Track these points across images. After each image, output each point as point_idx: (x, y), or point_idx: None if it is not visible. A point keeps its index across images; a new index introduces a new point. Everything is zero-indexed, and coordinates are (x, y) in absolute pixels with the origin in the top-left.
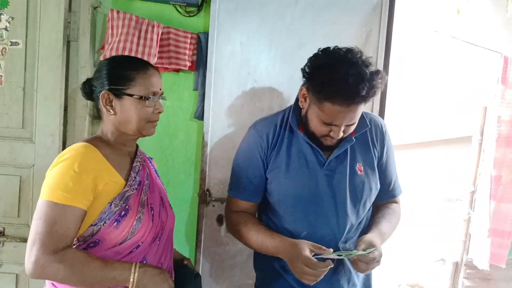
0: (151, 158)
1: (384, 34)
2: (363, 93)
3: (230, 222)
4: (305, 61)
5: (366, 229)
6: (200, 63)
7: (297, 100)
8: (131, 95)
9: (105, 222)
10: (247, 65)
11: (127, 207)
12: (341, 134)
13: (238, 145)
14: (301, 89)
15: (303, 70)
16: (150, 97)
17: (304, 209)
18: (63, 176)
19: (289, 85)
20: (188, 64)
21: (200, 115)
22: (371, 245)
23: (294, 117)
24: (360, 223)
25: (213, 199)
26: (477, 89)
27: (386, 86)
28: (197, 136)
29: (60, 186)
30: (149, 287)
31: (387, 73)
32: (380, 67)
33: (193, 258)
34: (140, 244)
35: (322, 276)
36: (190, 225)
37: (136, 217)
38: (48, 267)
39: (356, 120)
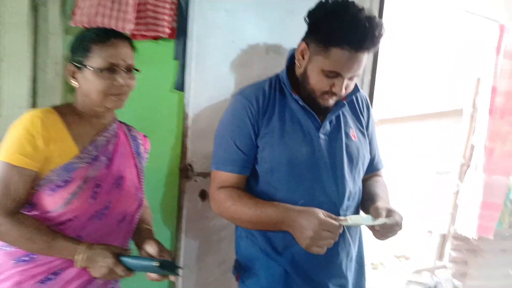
0: (145, 137)
1: (377, 3)
2: (373, 38)
3: (217, 200)
4: (295, 30)
5: (361, 201)
6: (181, 31)
7: (289, 63)
8: (89, 67)
9: (41, 187)
10: (233, 34)
11: (68, 178)
12: (343, 90)
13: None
14: (299, 46)
15: (305, 20)
16: (111, 69)
17: (300, 176)
18: (19, 138)
19: (277, 55)
20: (168, 31)
21: (180, 86)
22: (389, 210)
23: (286, 81)
24: (356, 192)
25: (196, 173)
26: (471, 60)
27: (376, 56)
28: (178, 108)
29: (15, 148)
30: (94, 263)
31: None
32: None
33: (174, 235)
34: (73, 218)
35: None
36: (171, 201)
37: (73, 191)
38: (1, 227)
39: (360, 73)
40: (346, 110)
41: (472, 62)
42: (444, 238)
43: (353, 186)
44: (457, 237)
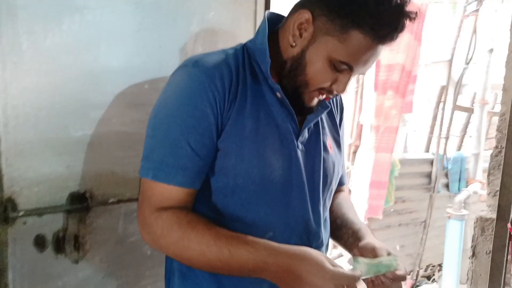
0: None
1: None
2: (402, 29)
3: (155, 229)
4: None
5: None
6: None
7: (264, 32)
8: None
9: None
10: None
11: None
12: (345, 90)
13: (60, 119)
14: (298, 15)
15: None
16: None
17: (273, 198)
18: None
19: (139, 17)
20: None
21: None
22: (387, 251)
23: (267, 60)
24: (327, 219)
25: (22, 212)
26: None
27: None
28: None
29: None
30: None
31: None
32: None
33: None
34: None
35: None
36: None
37: None
38: None
39: (367, 72)
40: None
41: None
42: None
43: (325, 212)
44: None
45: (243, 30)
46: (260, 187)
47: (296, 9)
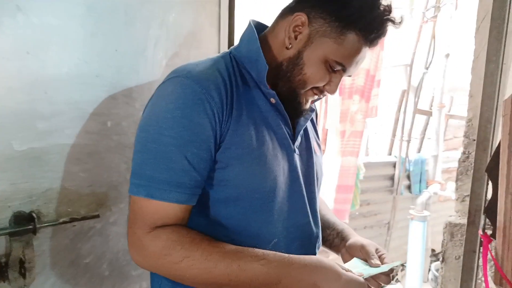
0: None
1: None
2: (385, 34)
3: (153, 250)
4: None
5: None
6: None
7: (254, 38)
8: None
9: None
10: None
11: None
12: (336, 90)
13: (2, 132)
14: (294, 18)
15: None
16: None
17: (276, 205)
18: None
19: (93, 20)
20: None
21: None
22: (375, 247)
23: (263, 65)
24: None
25: None
26: None
27: None
28: None
29: None
30: None
31: None
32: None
33: None
34: None
35: None
36: None
37: None
38: None
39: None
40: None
41: None
42: None
43: (318, 214)
44: None
45: (206, 34)
46: (263, 196)
47: (286, 13)
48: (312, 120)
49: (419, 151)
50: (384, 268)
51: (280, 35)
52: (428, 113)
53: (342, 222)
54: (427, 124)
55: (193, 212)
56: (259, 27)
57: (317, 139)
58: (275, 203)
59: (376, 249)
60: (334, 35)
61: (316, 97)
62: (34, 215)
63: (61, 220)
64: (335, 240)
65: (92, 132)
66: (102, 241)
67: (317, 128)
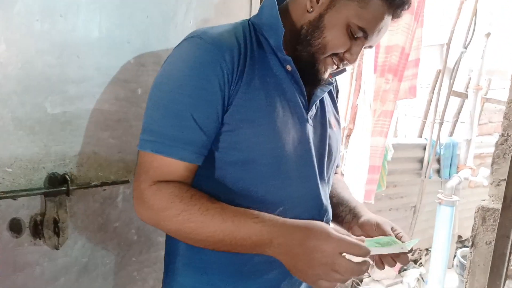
0: None
1: None
2: (410, 3)
3: (153, 201)
4: None
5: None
6: None
7: (273, 4)
8: None
9: None
10: None
11: None
12: (357, 59)
13: (34, 95)
14: None
15: None
16: None
17: (285, 172)
18: None
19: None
20: None
21: None
22: (391, 225)
23: (280, 30)
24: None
25: None
26: None
27: None
28: None
29: None
30: None
31: None
32: None
33: None
34: None
35: None
36: None
37: None
38: None
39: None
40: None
41: None
42: None
43: (329, 188)
44: None
45: (237, 2)
46: (272, 160)
47: None
48: (331, 95)
49: (451, 134)
50: (396, 248)
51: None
52: (464, 96)
53: (356, 200)
54: (461, 107)
55: (200, 174)
56: None
57: (336, 114)
58: (282, 169)
59: (392, 227)
60: None
61: (335, 66)
62: (67, 177)
63: (92, 184)
64: (347, 216)
65: (121, 99)
66: (130, 206)
67: (337, 105)
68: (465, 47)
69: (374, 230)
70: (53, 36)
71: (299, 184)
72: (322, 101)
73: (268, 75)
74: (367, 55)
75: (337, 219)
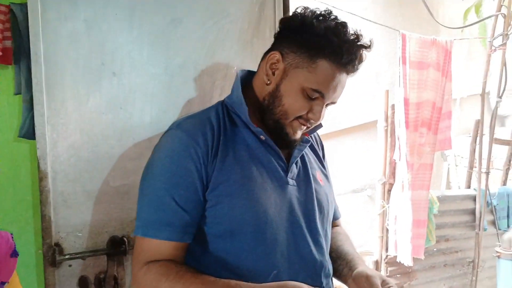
0: None
1: (281, 6)
2: (361, 59)
3: (144, 282)
4: (185, 42)
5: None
6: (21, 52)
7: (238, 86)
8: None
9: None
10: (100, 52)
11: None
12: (321, 117)
13: (100, 172)
14: (268, 57)
15: (281, 25)
16: None
17: (272, 238)
18: None
19: (168, 77)
20: None
21: (29, 132)
22: (381, 278)
23: (244, 107)
24: (328, 250)
25: (68, 256)
26: (378, 71)
27: None
28: (31, 164)
29: None
30: None
31: None
32: None
33: None
34: None
35: None
36: None
37: None
38: None
39: (337, 100)
40: (307, 148)
41: (379, 73)
42: (377, 264)
43: (326, 243)
44: (390, 262)
45: None
46: (256, 228)
47: (264, 55)
48: (315, 151)
49: (504, 183)
50: None
51: (261, 75)
52: (509, 143)
53: (355, 252)
54: (511, 154)
55: (196, 250)
56: (250, 74)
57: (323, 169)
58: (268, 234)
59: (383, 281)
60: (306, 65)
61: (304, 127)
62: (125, 239)
63: None
64: (344, 270)
65: None
66: None
67: (325, 160)
68: (500, 97)
69: (364, 283)
70: (115, 124)
71: (288, 245)
72: (304, 160)
73: (242, 149)
74: (398, 112)
75: (336, 273)
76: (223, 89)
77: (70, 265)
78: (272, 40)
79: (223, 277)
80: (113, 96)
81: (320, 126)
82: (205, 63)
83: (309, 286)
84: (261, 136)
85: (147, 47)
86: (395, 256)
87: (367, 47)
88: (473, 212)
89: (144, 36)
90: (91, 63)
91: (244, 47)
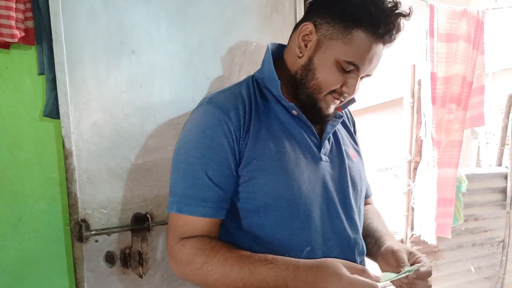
0: None
1: None
2: (399, 28)
3: (180, 257)
4: (202, 18)
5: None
6: (41, 33)
7: (269, 59)
8: None
9: None
10: (118, 30)
11: None
12: (355, 91)
13: (122, 149)
14: (301, 28)
15: None
16: None
17: (306, 213)
18: None
19: (187, 55)
20: (18, 34)
21: (53, 112)
22: (410, 253)
23: (276, 82)
24: (361, 226)
25: (94, 231)
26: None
27: None
28: (56, 143)
29: None
30: None
31: None
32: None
33: None
34: None
35: None
36: (60, 278)
37: None
38: None
39: (372, 73)
40: (339, 124)
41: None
42: (402, 243)
43: (360, 220)
44: (415, 241)
45: None
46: (290, 204)
47: (296, 26)
48: (347, 127)
49: None
50: (405, 272)
51: (292, 47)
52: None
53: (384, 228)
54: None
55: (229, 225)
56: (280, 49)
57: (355, 145)
58: (302, 210)
59: (411, 253)
60: (341, 36)
61: (337, 101)
62: (148, 215)
63: (167, 221)
64: (373, 248)
65: None
66: None
67: (357, 137)
68: None
69: (390, 258)
70: (135, 102)
71: (322, 222)
72: (336, 136)
73: (274, 124)
74: (424, 87)
75: (366, 252)
76: (242, 65)
77: (96, 241)
78: (292, 14)
79: (257, 252)
80: (133, 74)
81: (353, 100)
82: (224, 39)
83: (348, 262)
84: (293, 111)
85: (165, 24)
86: (420, 235)
87: (406, 15)
88: (504, 190)
89: (161, 13)
90: (110, 41)
91: (263, 22)
